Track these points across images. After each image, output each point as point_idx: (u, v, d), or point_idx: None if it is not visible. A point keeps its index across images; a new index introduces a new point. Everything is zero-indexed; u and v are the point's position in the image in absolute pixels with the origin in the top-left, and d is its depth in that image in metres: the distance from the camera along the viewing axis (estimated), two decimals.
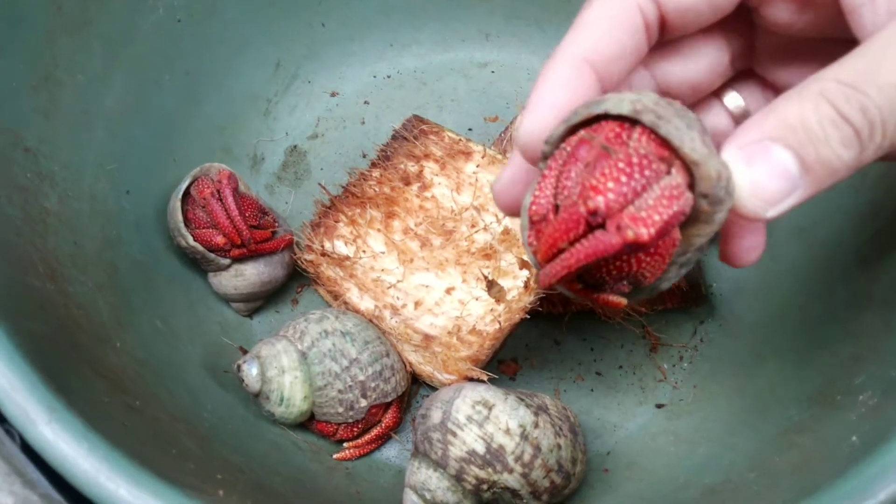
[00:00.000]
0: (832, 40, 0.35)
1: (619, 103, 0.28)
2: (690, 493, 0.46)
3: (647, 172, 0.27)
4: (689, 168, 0.28)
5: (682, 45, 0.38)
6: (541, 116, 0.33)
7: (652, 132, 0.28)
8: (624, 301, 0.30)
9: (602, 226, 0.27)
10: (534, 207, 0.30)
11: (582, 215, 0.27)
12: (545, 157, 0.31)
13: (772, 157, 0.28)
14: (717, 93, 0.41)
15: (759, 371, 0.53)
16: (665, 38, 0.36)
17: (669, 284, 0.31)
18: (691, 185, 0.28)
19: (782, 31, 0.36)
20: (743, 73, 0.40)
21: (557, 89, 0.33)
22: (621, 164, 0.27)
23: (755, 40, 0.39)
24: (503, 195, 0.36)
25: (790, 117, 0.28)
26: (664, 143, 0.28)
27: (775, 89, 0.40)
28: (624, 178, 0.27)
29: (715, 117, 0.41)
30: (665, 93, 0.39)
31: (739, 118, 0.41)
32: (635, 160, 0.27)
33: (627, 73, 0.35)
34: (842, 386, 0.43)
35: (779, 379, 0.50)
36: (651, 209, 0.27)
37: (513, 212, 0.37)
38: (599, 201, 0.27)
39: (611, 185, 0.27)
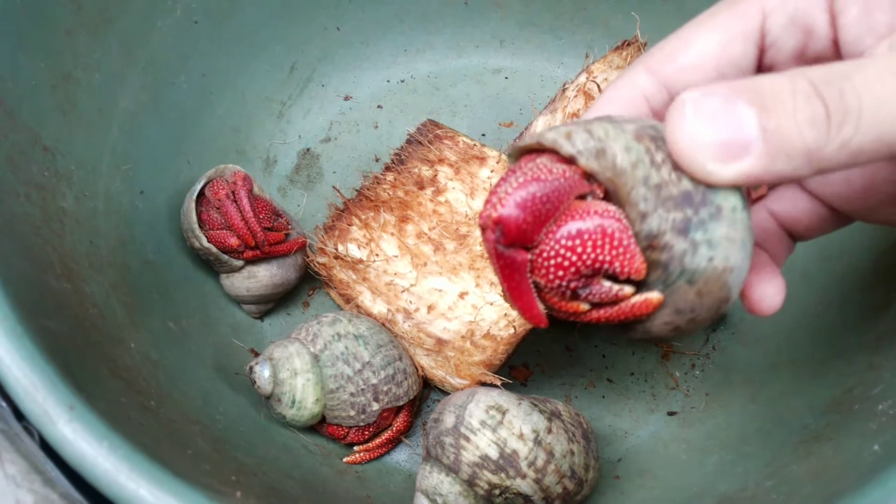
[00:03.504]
0: None
1: (532, 138, 0.31)
2: (705, 501, 0.46)
3: (509, 175, 0.29)
4: (564, 157, 0.30)
5: None
6: None
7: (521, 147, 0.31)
8: (651, 299, 0.29)
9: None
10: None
11: (483, 239, 0.31)
12: None
13: (733, 107, 0.27)
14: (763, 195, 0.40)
15: (772, 379, 0.53)
16: None
17: (709, 259, 0.29)
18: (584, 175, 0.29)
19: None
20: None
21: None
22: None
23: None
24: None
25: (763, 83, 0.27)
26: (538, 149, 0.30)
27: (818, 198, 0.38)
28: (493, 189, 0.30)
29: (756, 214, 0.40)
30: None
31: (781, 220, 0.39)
32: (503, 175, 0.30)
33: None
34: (859, 395, 0.43)
35: (793, 387, 0.50)
36: (503, 190, 0.29)
37: None
38: (479, 219, 0.30)
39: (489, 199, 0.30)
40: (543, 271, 0.30)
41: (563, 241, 0.29)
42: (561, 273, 0.29)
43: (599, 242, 0.29)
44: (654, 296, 0.29)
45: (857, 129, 0.27)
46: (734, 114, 0.27)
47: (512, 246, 0.29)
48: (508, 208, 0.28)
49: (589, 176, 0.29)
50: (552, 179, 0.29)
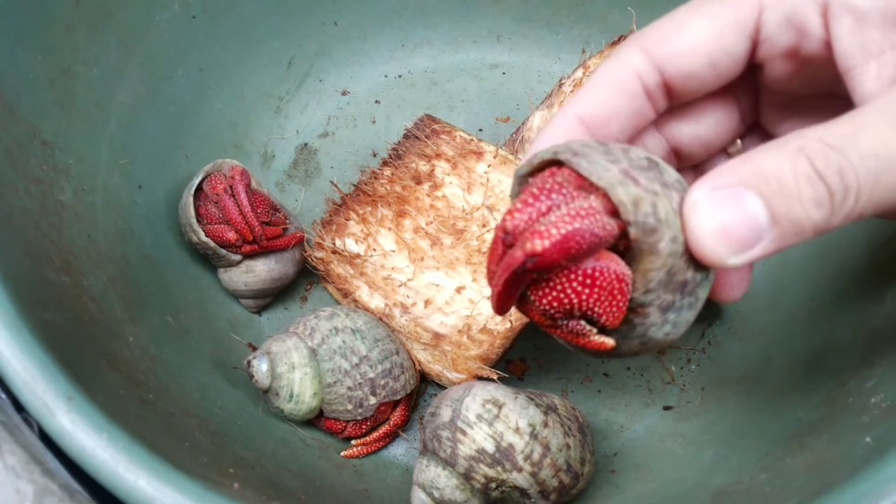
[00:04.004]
0: (833, 96, 0.37)
1: (548, 150, 0.31)
2: (700, 495, 0.46)
3: (555, 196, 0.29)
4: (617, 212, 0.29)
5: (692, 106, 0.39)
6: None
7: (573, 168, 0.30)
8: (607, 343, 0.31)
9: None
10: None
11: (500, 237, 0.30)
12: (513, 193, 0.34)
13: (743, 203, 0.28)
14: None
15: (767, 373, 0.53)
16: (675, 102, 0.38)
17: (665, 333, 0.32)
18: (618, 215, 0.29)
19: (784, 88, 0.38)
20: (750, 125, 0.42)
21: (552, 138, 0.36)
22: (534, 190, 0.30)
23: (760, 97, 0.40)
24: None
25: (766, 168, 0.28)
26: (583, 176, 0.30)
27: None
28: (531, 201, 0.30)
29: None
30: (677, 152, 0.41)
31: None
32: (547, 186, 0.30)
33: (632, 131, 0.37)
34: (853, 388, 0.43)
35: (788, 381, 0.51)
36: (552, 225, 0.28)
37: None
38: (508, 221, 0.30)
39: (520, 206, 0.30)
40: (542, 294, 0.30)
41: (574, 286, 0.30)
42: (556, 305, 0.30)
43: (602, 299, 0.30)
44: (609, 341, 0.31)
45: (857, 201, 0.28)
46: (744, 207, 0.28)
47: (533, 273, 0.30)
48: (553, 248, 0.28)
49: (623, 233, 0.30)
50: (601, 234, 0.29)
